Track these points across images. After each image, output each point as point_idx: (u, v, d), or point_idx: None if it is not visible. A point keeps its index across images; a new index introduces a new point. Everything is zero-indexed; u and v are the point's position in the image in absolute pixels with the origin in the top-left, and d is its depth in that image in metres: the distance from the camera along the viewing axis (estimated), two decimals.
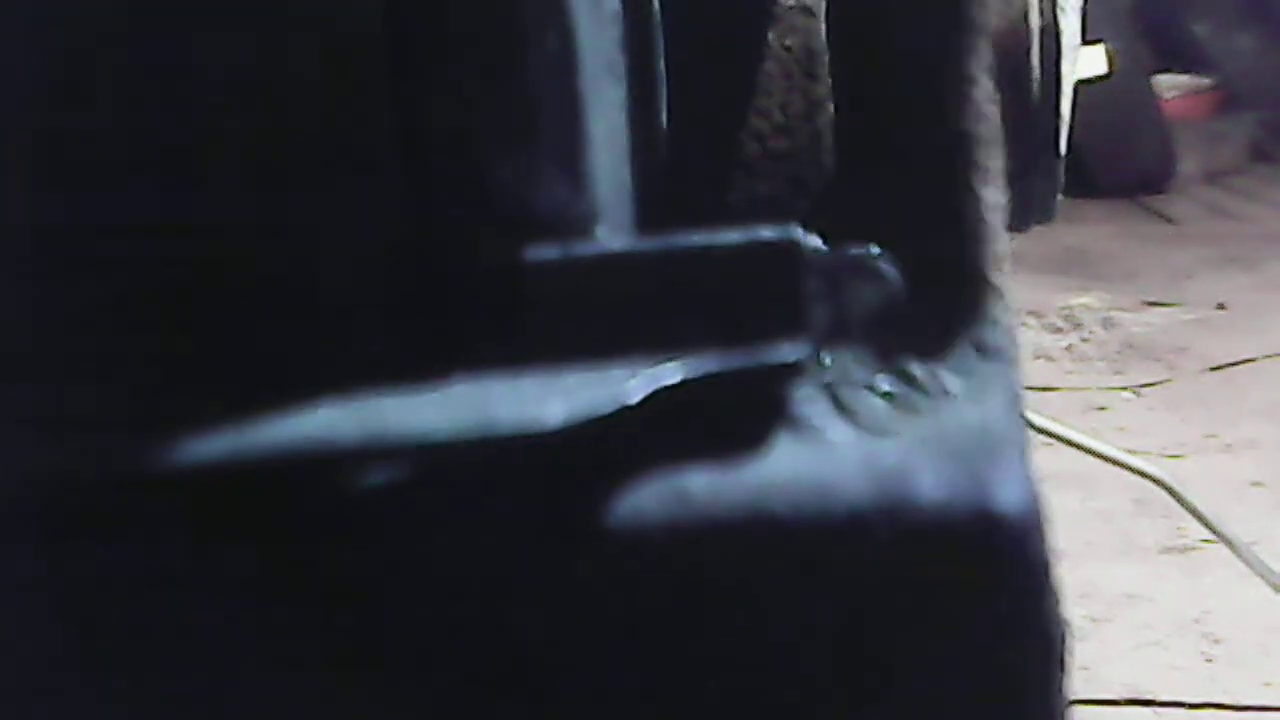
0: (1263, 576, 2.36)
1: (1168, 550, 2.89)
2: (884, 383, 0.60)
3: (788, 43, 0.58)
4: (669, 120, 0.56)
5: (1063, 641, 0.66)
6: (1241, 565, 2.38)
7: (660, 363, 0.57)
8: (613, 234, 0.56)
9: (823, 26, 0.58)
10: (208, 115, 0.55)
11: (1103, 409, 3.57)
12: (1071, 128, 0.67)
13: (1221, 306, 4.20)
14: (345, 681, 0.58)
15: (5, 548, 0.59)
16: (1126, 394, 3.67)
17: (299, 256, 0.55)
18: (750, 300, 0.57)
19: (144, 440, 0.57)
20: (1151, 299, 4.28)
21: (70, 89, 0.55)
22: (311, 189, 0.55)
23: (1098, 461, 2.35)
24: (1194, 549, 2.86)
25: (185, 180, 0.55)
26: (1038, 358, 3.78)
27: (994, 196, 0.63)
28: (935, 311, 0.61)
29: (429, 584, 0.58)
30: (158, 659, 0.59)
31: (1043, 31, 0.64)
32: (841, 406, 0.59)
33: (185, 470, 0.57)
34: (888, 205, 0.59)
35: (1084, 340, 4.01)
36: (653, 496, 0.58)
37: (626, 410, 0.57)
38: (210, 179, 0.55)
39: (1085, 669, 2.47)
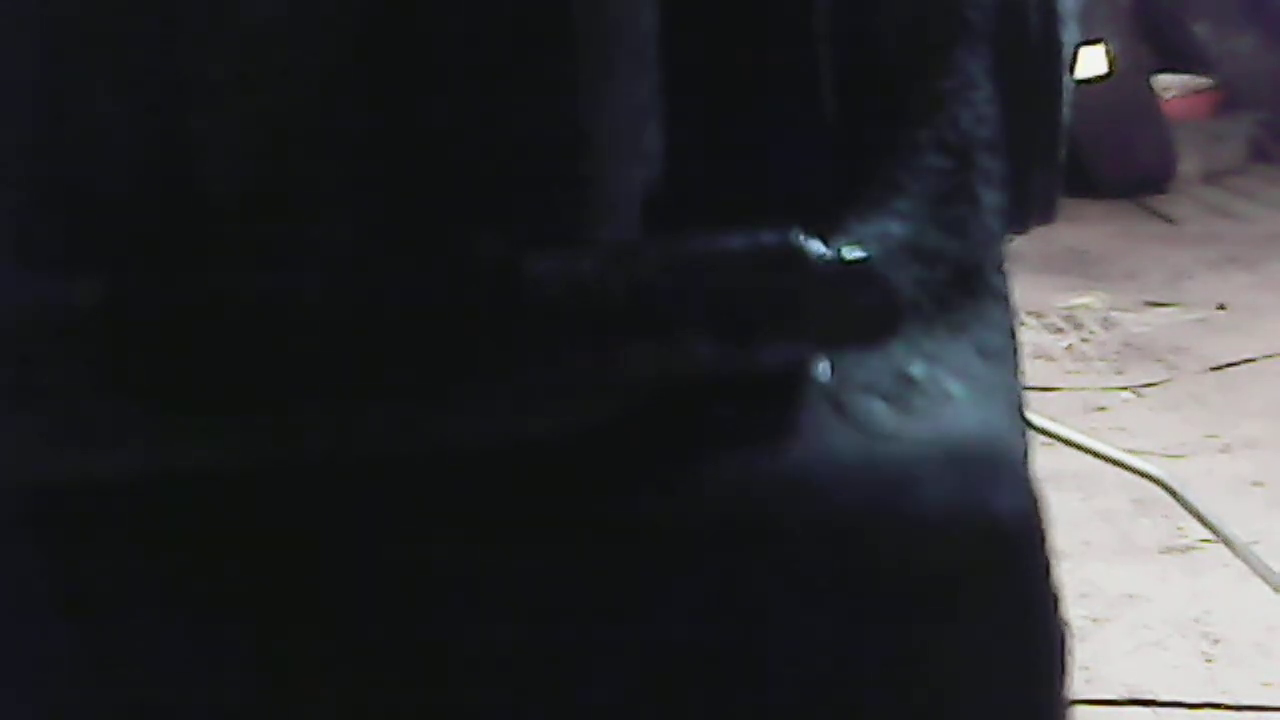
0: (1263, 576, 2.36)
1: (1168, 550, 2.89)
2: (885, 386, 0.60)
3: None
4: (672, 122, 0.56)
5: (1063, 642, 0.66)
6: (1241, 565, 2.38)
7: (663, 369, 0.57)
8: (616, 236, 0.56)
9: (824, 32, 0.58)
10: (198, 120, 0.55)
11: (1103, 409, 3.57)
12: (1071, 128, 0.67)
13: (1221, 306, 4.20)
14: (347, 686, 0.58)
15: (8, 550, 0.59)
16: (1126, 394, 3.67)
17: (294, 262, 0.55)
18: (752, 304, 0.57)
19: (141, 444, 0.57)
20: (1151, 299, 4.28)
21: (65, 93, 0.55)
22: (305, 192, 0.55)
23: (1098, 461, 2.35)
24: (1194, 549, 2.86)
25: (180, 187, 0.55)
26: (1038, 358, 3.78)
27: (995, 199, 0.63)
28: (936, 314, 0.61)
29: (433, 591, 0.58)
30: (156, 661, 0.59)
31: (1043, 32, 0.64)
32: (842, 410, 0.59)
33: (184, 475, 0.57)
34: (890, 209, 0.59)
35: (1084, 340, 4.01)
36: (654, 498, 0.58)
37: (627, 416, 0.57)
38: (201, 177, 0.55)
39: (1085, 669, 2.47)
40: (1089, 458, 2.33)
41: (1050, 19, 0.64)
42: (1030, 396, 0.66)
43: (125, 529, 0.58)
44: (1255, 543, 2.47)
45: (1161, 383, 3.72)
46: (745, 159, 0.57)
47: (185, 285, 0.55)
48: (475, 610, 0.58)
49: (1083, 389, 3.66)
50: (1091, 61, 4.86)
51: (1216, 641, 2.60)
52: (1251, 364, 3.80)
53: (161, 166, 0.55)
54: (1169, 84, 5.33)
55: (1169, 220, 4.98)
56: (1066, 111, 0.66)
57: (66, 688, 0.59)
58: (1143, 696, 2.47)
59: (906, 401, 0.60)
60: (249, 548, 0.57)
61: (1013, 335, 0.65)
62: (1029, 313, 3.98)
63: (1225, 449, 3.33)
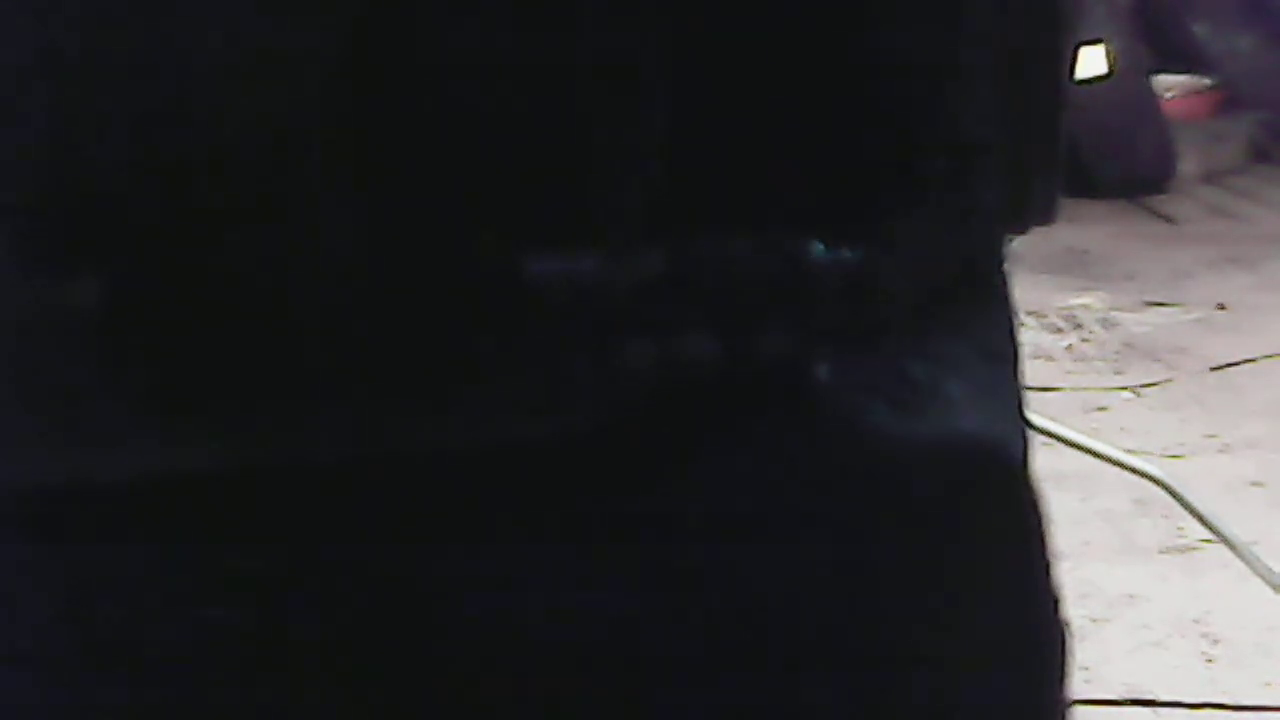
0: (1263, 576, 2.36)
1: (1168, 550, 2.90)
2: (885, 386, 0.60)
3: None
4: (674, 122, 0.56)
5: (1063, 642, 0.66)
6: (1241, 565, 2.38)
7: (664, 370, 0.57)
8: (617, 236, 0.56)
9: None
10: (196, 114, 0.55)
11: (1103, 409, 3.57)
12: (1071, 128, 0.67)
13: (1221, 306, 4.21)
14: (348, 688, 0.58)
15: (8, 551, 0.59)
16: (1126, 394, 3.68)
17: (294, 262, 0.55)
18: (753, 304, 0.57)
19: (141, 445, 0.57)
20: (1151, 299, 4.29)
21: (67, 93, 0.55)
22: (304, 191, 0.55)
23: (1098, 461, 2.35)
24: (1194, 549, 2.86)
25: (179, 187, 0.55)
26: (1038, 358, 3.78)
27: (995, 199, 0.63)
28: (936, 314, 0.61)
29: (433, 592, 0.58)
30: (157, 662, 0.59)
31: (1043, 34, 0.64)
32: (842, 410, 0.59)
33: (185, 475, 0.57)
34: (890, 209, 0.59)
35: (1084, 340, 4.01)
36: (654, 498, 0.58)
37: (628, 416, 0.57)
38: (201, 176, 0.55)
39: (1085, 669, 2.48)
40: (1089, 458, 2.34)
41: (1050, 19, 0.64)
42: (1030, 396, 0.66)
43: (126, 530, 0.58)
44: (1255, 543, 2.47)
45: (1161, 383, 3.72)
46: (746, 159, 0.57)
47: (185, 285, 0.55)
48: (475, 611, 0.58)
49: (1083, 389, 3.67)
50: (1091, 61, 4.86)
51: (1216, 641, 2.61)
52: (1251, 364, 3.80)
53: (161, 166, 0.55)
54: (1169, 84, 5.34)
55: (1169, 220, 4.98)
56: (1066, 112, 0.66)
57: (66, 689, 0.59)
58: (1143, 696, 2.48)
59: (906, 401, 0.60)
60: (249, 548, 0.57)
61: (1013, 335, 0.65)
62: (1029, 313, 3.98)
63: (1225, 449, 3.33)
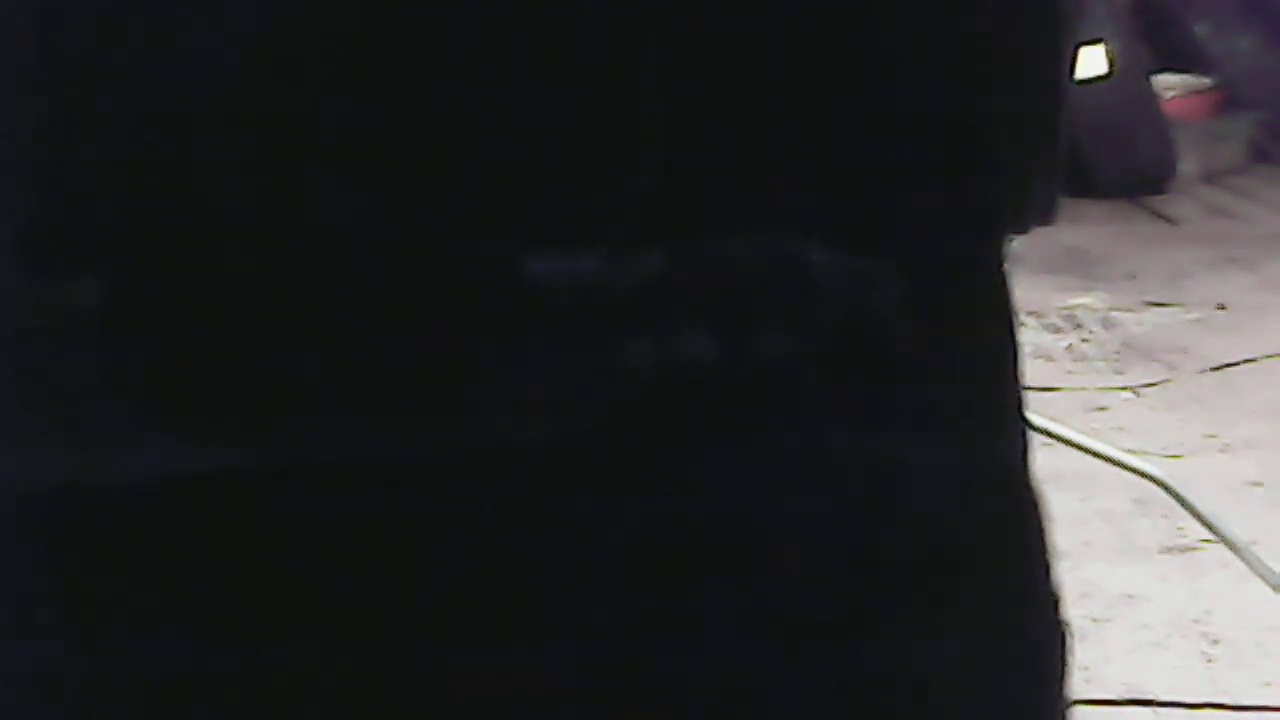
0: (1263, 577, 2.36)
1: (1168, 550, 2.90)
2: (884, 387, 0.60)
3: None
4: (674, 123, 0.56)
5: (1063, 642, 0.66)
6: (1241, 565, 2.38)
7: (664, 370, 0.57)
8: (618, 237, 0.56)
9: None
10: (195, 109, 0.55)
11: (1103, 409, 3.58)
12: (1071, 128, 0.67)
13: (1221, 306, 4.21)
14: (348, 688, 0.58)
15: (8, 551, 0.59)
16: (1126, 394, 3.68)
17: (294, 262, 0.55)
18: (753, 306, 0.57)
19: (142, 446, 0.57)
20: (1151, 299, 4.29)
21: (69, 94, 0.55)
22: (305, 192, 0.55)
23: (1098, 461, 2.36)
24: (1194, 549, 2.86)
25: (180, 187, 0.55)
26: (1038, 358, 3.79)
27: (993, 200, 0.63)
28: (935, 316, 0.61)
29: (435, 592, 0.58)
30: (158, 665, 0.59)
31: (1043, 34, 0.64)
32: (842, 411, 0.59)
33: (185, 476, 0.57)
34: (890, 210, 0.59)
35: (1084, 340, 4.02)
36: (654, 499, 0.58)
37: (628, 416, 0.57)
38: (201, 176, 0.55)
39: (1085, 669, 2.48)
40: (1089, 458, 2.34)
41: (1050, 19, 0.64)
42: (1030, 396, 0.66)
43: (126, 531, 0.58)
44: (1255, 543, 2.48)
45: (1161, 383, 3.72)
46: (745, 159, 0.57)
47: (185, 286, 0.55)
48: (475, 611, 0.58)
49: (1083, 389, 3.67)
50: (1091, 61, 4.87)
51: (1216, 641, 2.61)
52: (1251, 364, 3.80)
53: (161, 166, 0.55)
54: (1169, 84, 5.34)
55: (1169, 220, 4.98)
56: (1066, 111, 0.66)
57: (68, 691, 0.59)
58: (1143, 696, 2.48)
59: (905, 402, 0.60)
60: (250, 549, 0.57)
61: (1013, 335, 0.65)
62: (1029, 313, 3.98)
63: (1225, 449, 3.33)
